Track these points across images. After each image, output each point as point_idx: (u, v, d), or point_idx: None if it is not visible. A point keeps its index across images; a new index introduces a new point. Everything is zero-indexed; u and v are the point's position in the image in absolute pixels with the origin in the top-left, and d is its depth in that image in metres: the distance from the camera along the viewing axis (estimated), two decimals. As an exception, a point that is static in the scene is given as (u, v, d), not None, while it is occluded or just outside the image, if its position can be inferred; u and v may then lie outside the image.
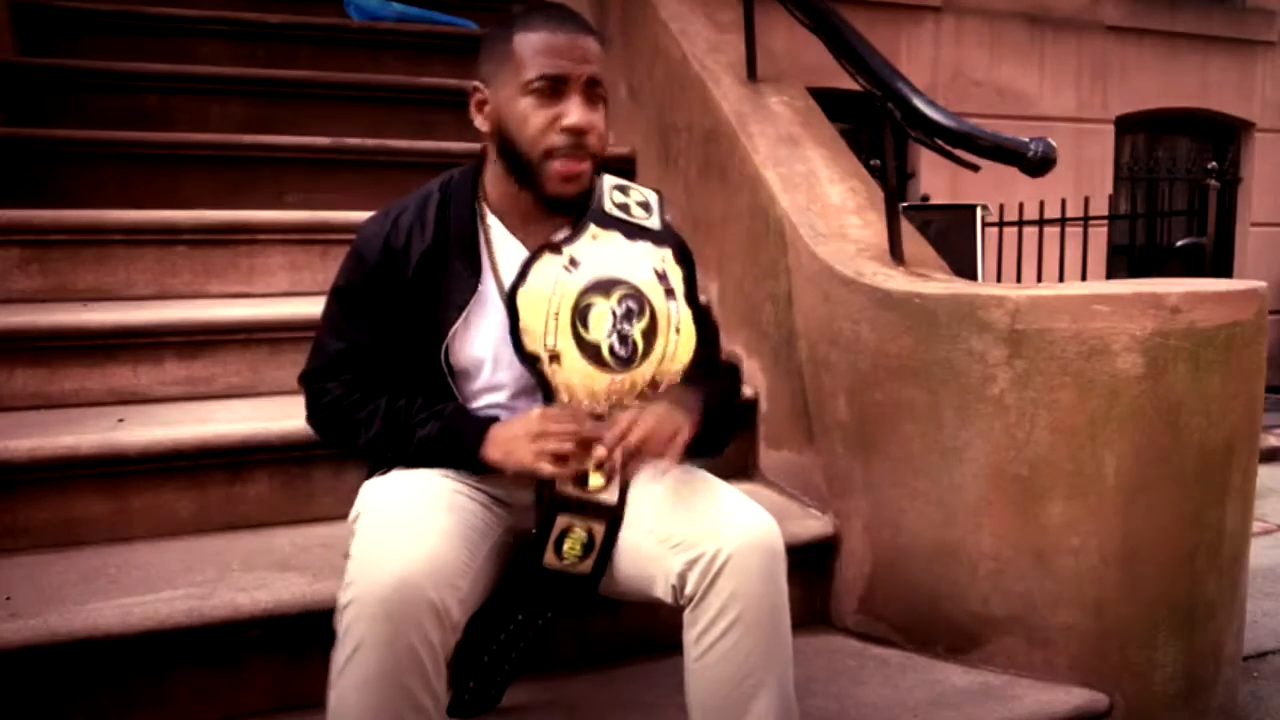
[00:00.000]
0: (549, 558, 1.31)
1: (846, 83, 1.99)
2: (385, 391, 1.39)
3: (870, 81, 1.86)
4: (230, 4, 3.16)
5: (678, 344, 1.39)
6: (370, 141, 2.65)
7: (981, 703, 1.56)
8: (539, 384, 1.35)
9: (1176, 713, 1.64)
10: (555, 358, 1.33)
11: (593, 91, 1.33)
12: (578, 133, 1.30)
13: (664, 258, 1.43)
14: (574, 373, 1.34)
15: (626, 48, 2.82)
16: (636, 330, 1.37)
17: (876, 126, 1.98)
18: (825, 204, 2.02)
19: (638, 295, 1.38)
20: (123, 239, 2.16)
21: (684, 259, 1.45)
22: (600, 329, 1.35)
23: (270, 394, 1.99)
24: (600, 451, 1.27)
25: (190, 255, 2.21)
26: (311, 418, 1.45)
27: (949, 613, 1.70)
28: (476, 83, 1.37)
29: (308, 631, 1.46)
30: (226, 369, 2.00)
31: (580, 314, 1.34)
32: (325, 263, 2.25)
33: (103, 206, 2.27)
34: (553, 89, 1.30)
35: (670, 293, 1.41)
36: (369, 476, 1.44)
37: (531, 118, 1.30)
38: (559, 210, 1.38)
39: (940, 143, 1.76)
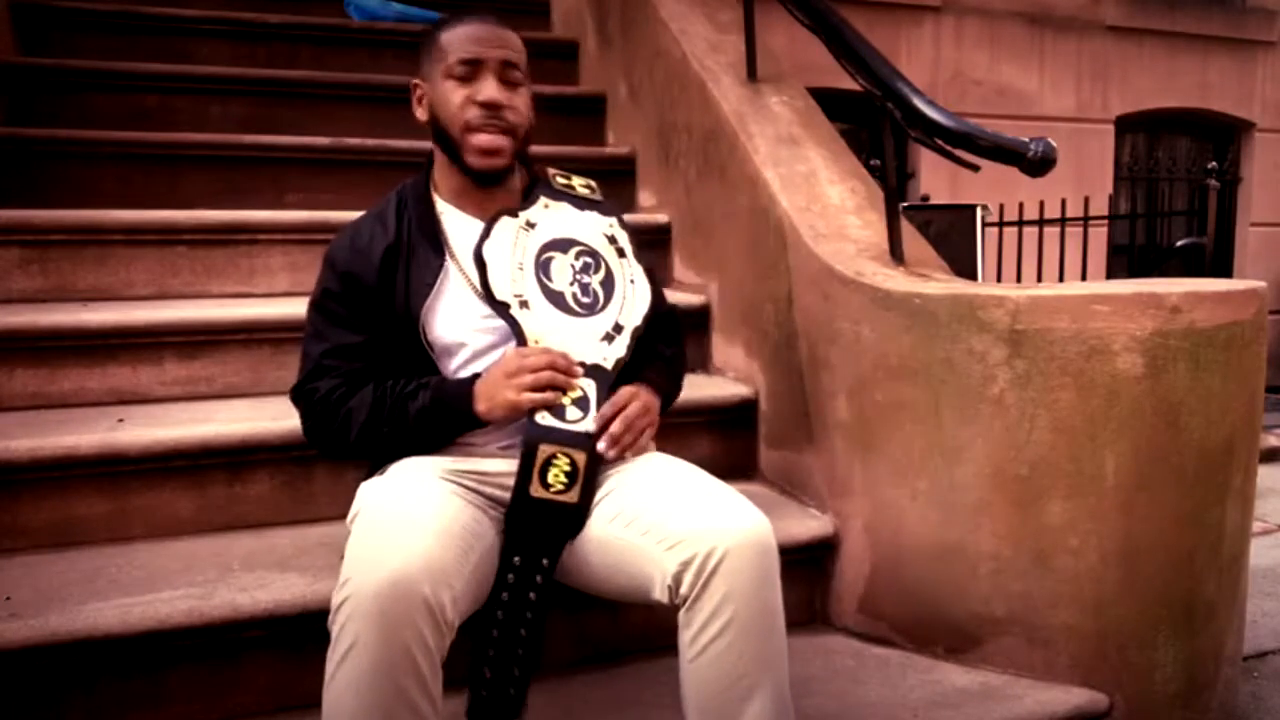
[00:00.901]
0: (535, 488, 1.34)
1: (846, 83, 1.99)
2: (371, 382, 1.44)
3: (870, 81, 1.85)
4: (230, 4, 3.16)
5: (635, 294, 1.53)
6: (370, 141, 2.65)
7: (981, 703, 1.56)
8: (512, 329, 1.42)
9: (1176, 713, 1.64)
10: (524, 304, 1.43)
11: (509, 73, 1.45)
12: (490, 106, 1.42)
13: (611, 224, 1.58)
14: (544, 319, 1.44)
15: (626, 48, 2.82)
16: (595, 281, 1.50)
17: (876, 126, 1.98)
18: (825, 204, 2.02)
19: (592, 253, 1.52)
20: (123, 239, 2.16)
21: (629, 230, 1.59)
22: (562, 279, 1.48)
23: (271, 394, 1.99)
24: (576, 386, 1.39)
25: (190, 255, 2.21)
26: (305, 422, 1.49)
27: (949, 613, 1.70)
28: (416, 80, 1.51)
29: (308, 631, 1.46)
30: (226, 369, 2.00)
31: (542, 266, 1.47)
32: (325, 263, 2.25)
33: (103, 206, 2.27)
34: (470, 71, 1.43)
35: (621, 252, 1.56)
36: (368, 477, 1.45)
37: (452, 97, 1.44)
38: (485, 184, 1.49)
39: (940, 143, 1.76)
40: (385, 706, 1.12)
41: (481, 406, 1.38)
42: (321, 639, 1.17)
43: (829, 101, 2.55)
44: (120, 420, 1.78)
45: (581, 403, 1.39)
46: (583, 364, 1.42)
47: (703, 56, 2.37)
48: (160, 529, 1.72)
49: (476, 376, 1.41)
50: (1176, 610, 1.61)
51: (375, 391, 1.41)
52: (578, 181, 1.61)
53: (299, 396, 1.47)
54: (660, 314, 1.60)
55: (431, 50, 1.47)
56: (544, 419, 1.37)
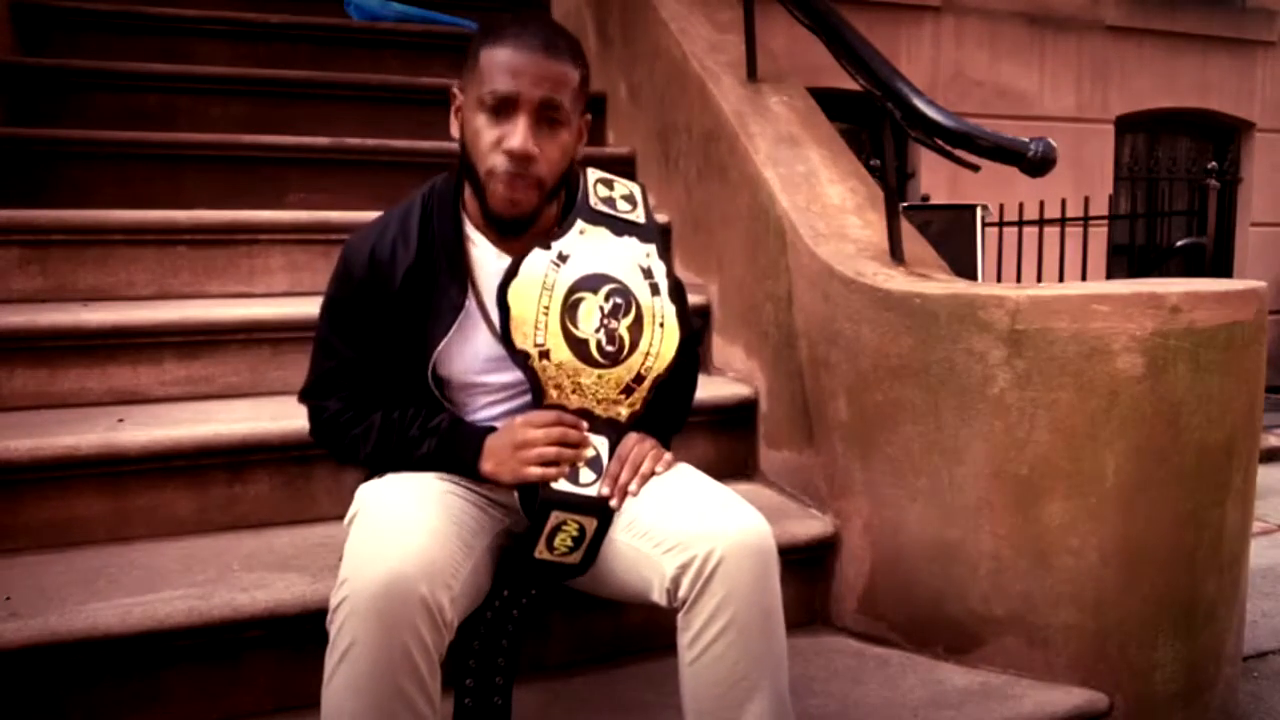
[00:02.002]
0: (540, 550, 1.33)
1: (846, 83, 1.99)
2: (380, 405, 1.41)
3: (870, 81, 1.85)
4: (230, 4, 3.16)
5: (662, 339, 1.43)
6: (371, 141, 2.65)
7: (981, 703, 1.56)
8: (529, 380, 1.37)
9: (1176, 713, 1.64)
10: (545, 354, 1.36)
11: (547, 114, 1.31)
12: (518, 158, 1.29)
13: (649, 253, 1.46)
14: (563, 369, 1.37)
15: (626, 48, 2.82)
16: (623, 326, 1.40)
17: (876, 126, 1.99)
18: (825, 204, 2.02)
19: (624, 291, 1.41)
20: (123, 239, 2.16)
21: (665, 251, 1.49)
22: (589, 325, 1.38)
23: (270, 394, 1.99)
24: (590, 450, 1.34)
25: (190, 255, 2.21)
26: (313, 432, 1.48)
27: (949, 612, 1.70)
28: (456, 87, 1.38)
29: (308, 631, 1.45)
30: (226, 369, 2.00)
31: (569, 310, 1.37)
32: (325, 263, 2.24)
33: (103, 206, 2.27)
34: (503, 107, 1.29)
35: (655, 288, 1.44)
36: (368, 478, 1.45)
37: (482, 134, 1.31)
38: (505, 233, 1.38)
39: (940, 143, 1.76)
40: (384, 707, 1.12)
41: (487, 468, 1.36)
42: (322, 639, 1.17)
43: (829, 101, 2.55)
44: (120, 420, 1.78)
45: (595, 463, 1.36)
46: (598, 419, 1.38)
47: (703, 56, 2.37)
48: (160, 529, 1.72)
49: (484, 430, 1.39)
50: (1176, 610, 1.61)
51: (382, 423, 1.39)
52: (619, 192, 1.49)
53: (306, 404, 1.47)
54: (683, 339, 1.48)
55: (471, 64, 1.33)
56: (557, 482, 1.33)
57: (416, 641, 1.12)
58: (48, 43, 2.90)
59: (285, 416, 1.76)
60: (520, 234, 1.38)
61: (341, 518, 1.42)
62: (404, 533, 1.20)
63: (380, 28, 3.25)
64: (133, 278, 2.17)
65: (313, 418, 1.46)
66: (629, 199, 1.50)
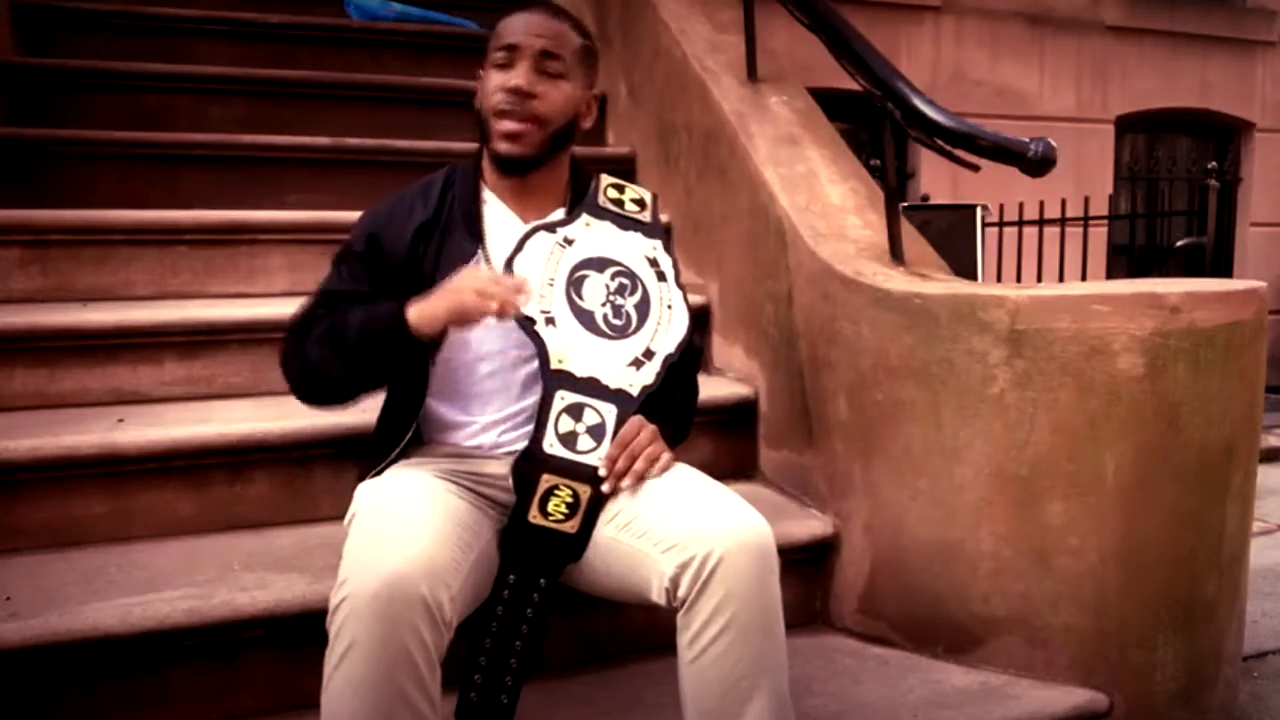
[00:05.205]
0: (533, 514, 1.32)
1: (846, 83, 1.99)
2: None
3: (870, 81, 1.85)
4: (230, 4, 3.15)
5: (671, 318, 1.47)
6: (371, 141, 2.65)
7: (981, 703, 1.56)
8: (535, 345, 1.38)
9: (1176, 712, 1.64)
10: (551, 321, 1.39)
11: (545, 63, 1.41)
12: (518, 93, 1.39)
13: (655, 246, 1.52)
14: (570, 337, 1.39)
15: (626, 48, 2.82)
16: (630, 304, 1.45)
17: (876, 126, 1.98)
18: (825, 204, 2.02)
19: (630, 274, 1.47)
20: (123, 239, 2.16)
21: (672, 253, 1.54)
22: (594, 298, 1.43)
23: (271, 394, 1.98)
24: (594, 416, 1.34)
25: (191, 255, 2.21)
26: (282, 344, 1.48)
27: (949, 612, 1.70)
28: (480, 70, 1.48)
29: (308, 631, 1.45)
30: (226, 369, 2.00)
31: (575, 284, 1.42)
32: (325, 263, 2.21)
33: (103, 206, 2.27)
34: (508, 58, 1.41)
35: (661, 275, 1.50)
36: (364, 477, 1.45)
37: (488, 82, 1.43)
38: (510, 171, 1.45)
39: (940, 143, 1.76)
40: (384, 707, 1.12)
41: (414, 310, 1.32)
42: (322, 639, 1.17)
43: (829, 101, 2.55)
44: (120, 420, 1.78)
45: (596, 431, 1.35)
46: (606, 388, 1.38)
47: (703, 56, 2.37)
48: (160, 529, 1.72)
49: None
50: (1176, 610, 1.61)
51: (333, 318, 1.40)
52: (629, 195, 1.56)
53: (290, 328, 1.47)
54: (687, 350, 1.50)
55: (489, 39, 1.46)
56: (552, 446, 1.32)
57: (417, 641, 1.12)
58: (48, 43, 2.89)
59: (285, 416, 1.76)
60: (521, 174, 1.45)
61: (341, 518, 1.42)
62: (403, 533, 1.20)
63: (380, 28, 3.25)
64: (133, 278, 2.17)
65: (289, 326, 1.46)
66: (638, 202, 1.56)
